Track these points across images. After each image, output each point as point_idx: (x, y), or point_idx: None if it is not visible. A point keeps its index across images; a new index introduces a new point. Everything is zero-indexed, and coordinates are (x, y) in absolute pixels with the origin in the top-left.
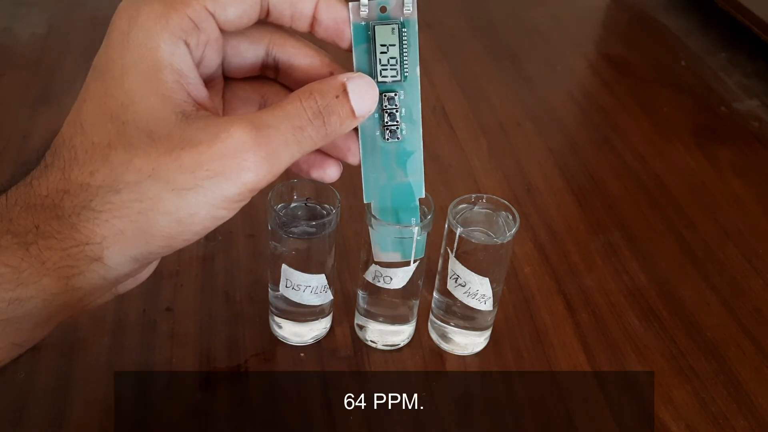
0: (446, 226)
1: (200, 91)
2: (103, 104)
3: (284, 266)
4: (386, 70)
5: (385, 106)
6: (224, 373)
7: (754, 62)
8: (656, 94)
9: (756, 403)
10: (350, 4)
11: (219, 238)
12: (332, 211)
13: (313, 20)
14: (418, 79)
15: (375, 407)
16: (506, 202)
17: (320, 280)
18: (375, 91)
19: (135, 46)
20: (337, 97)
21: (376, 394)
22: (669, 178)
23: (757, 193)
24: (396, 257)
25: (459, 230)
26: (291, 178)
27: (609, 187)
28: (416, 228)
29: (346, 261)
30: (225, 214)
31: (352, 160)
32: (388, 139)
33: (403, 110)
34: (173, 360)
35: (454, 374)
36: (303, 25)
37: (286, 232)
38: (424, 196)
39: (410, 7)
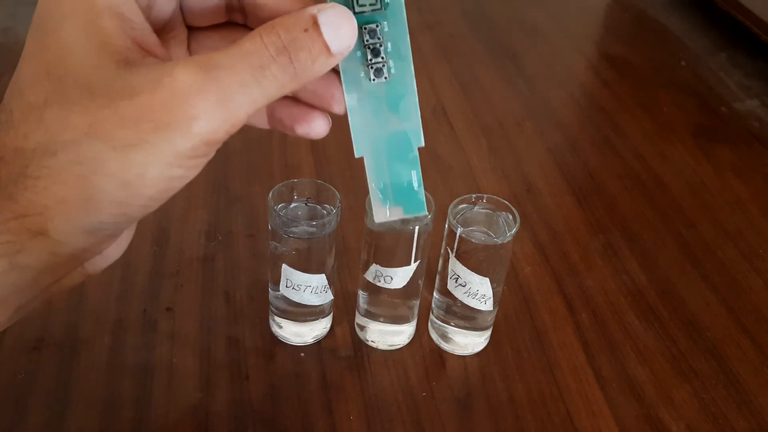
0: (446, 226)
1: (148, 38)
2: (40, 60)
3: (284, 266)
4: None
5: (367, 40)
6: (224, 373)
7: (754, 62)
8: (656, 94)
9: (756, 403)
10: None
11: (219, 238)
12: (332, 211)
13: None
14: (403, 6)
15: (375, 407)
16: (506, 202)
17: (320, 280)
18: (352, 23)
19: None
20: (305, 30)
21: (376, 395)
22: (669, 178)
23: (757, 193)
24: (398, 212)
25: (459, 230)
26: (291, 178)
27: (609, 187)
28: (415, 175)
29: (346, 261)
30: (181, 173)
31: (337, 108)
32: (373, 79)
33: (389, 45)
34: (173, 360)
35: (454, 374)
36: None
37: (286, 232)
38: (423, 144)
39: None
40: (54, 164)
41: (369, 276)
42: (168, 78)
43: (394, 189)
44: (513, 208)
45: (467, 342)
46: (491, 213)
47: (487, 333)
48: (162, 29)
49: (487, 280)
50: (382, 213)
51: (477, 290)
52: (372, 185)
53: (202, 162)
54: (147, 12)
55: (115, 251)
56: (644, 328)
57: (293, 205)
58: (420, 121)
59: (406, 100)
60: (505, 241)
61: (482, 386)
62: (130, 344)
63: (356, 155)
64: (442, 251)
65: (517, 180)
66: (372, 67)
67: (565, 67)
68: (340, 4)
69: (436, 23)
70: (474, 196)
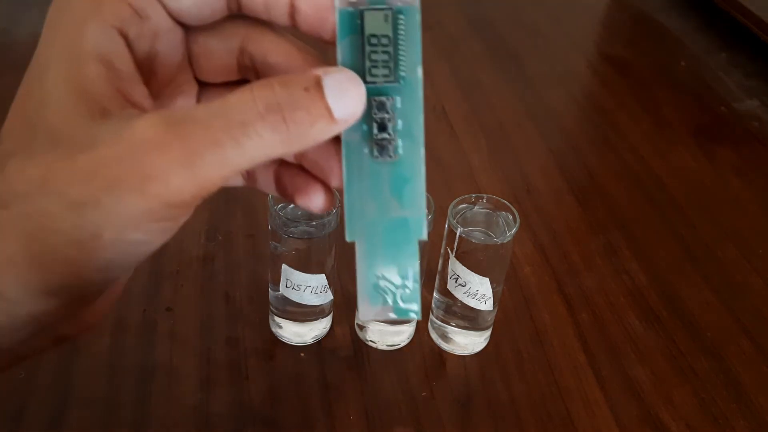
0: (446, 226)
1: (135, 88)
2: (22, 107)
3: (284, 266)
4: (376, 67)
5: (375, 113)
6: (224, 374)
7: (754, 62)
8: (656, 95)
9: (756, 403)
10: None
11: (219, 238)
12: (332, 211)
13: (292, 8)
14: (420, 82)
15: (375, 407)
16: (506, 202)
17: (320, 280)
18: (360, 88)
19: (61, 37)
20: (306, 89)
21: (376, 395)
22: (669, 178)
23: (757, 193)
24: (387, 313)
25: (459, 230)
26: None
27: (609, 187)
28: (413, 272)
29: (346, 261)
30: (142, 237)
31: (335, 182)
32: (377, 156)
33: (400, 122)
34: (173, 360)
35: (454, 374)
36: (281, 16)
37: (286, 232)
38: (425, 238)
39: None
40: (5, 217)
41: None
42: (128, 130)
43: (386, 285)
44: (513, 208)
45: (467, 342)
46: (491, 213)
47: (487, 333)
48: (169, 82)
49: (486, 280)
50: (369, 310)
51: (477, 290)
52: (361, 276)
53: (168, 227)
54: (149, 62)
55: (93, 315)
56: (644, 328)
57: (293, 205)
58: (425, 211)
59: (412, 185)
60: (505, 241)
61: (482, 386)
62: (130, 344)
63: (347, 239)
64: (442, 251)
65: (517, 180)
66: (377, 143)
67: (565, 67)
68: (351, 70)
69: (436, 23)
70: (474, 196)
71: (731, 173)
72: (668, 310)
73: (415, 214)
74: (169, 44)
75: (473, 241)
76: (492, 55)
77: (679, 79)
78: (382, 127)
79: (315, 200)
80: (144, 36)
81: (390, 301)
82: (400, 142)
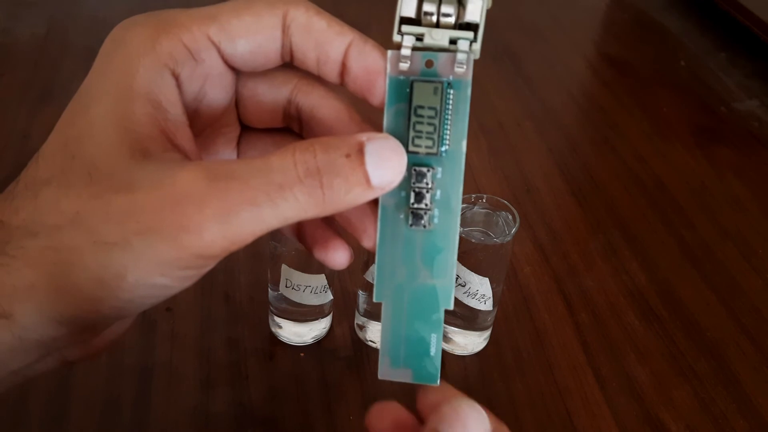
0: None
1: (180, 131)
2: (63, 135)
3: (284, 266)
4: (420, 138)
5: (414, 183)
6: (224, 373)
7: (754, 62)
8: (656, 94)
9: (756, 403)
10: (389, 52)
11: None
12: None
13: (343, 68)
14: (464, 156)
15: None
16: (506, 202)
17: (320, 280)
18: (401, 158)
19: (113, 71)
20: (347, 156)
21: (376, 395)
22: (669, 179)
23: (757, 194)
24: (407, 376)
25: (459, 230)
26: None
27: (609, 187)
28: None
29: None
30: (166, 282)
31: (367, 243)
32: (412, 225)
33: (438, 192)
34: (173, 360)
35: (454, 374)
36: (332, 73)
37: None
38: (451, 307)
39: (464, 66)
40: (32, 246)
41: (369, 276)
42: (169, 179)
43: (408, 348)
44: (513, 208)
45: (467, 342)
46: (491, 213)
47: (487, 333)
48: (213, 123)
49: (486, 280)
50: (389, 372)
51: (477, 290)
52: (385, 336)
53: (193, 274)
54: (196, 102)
55: (101, 343)
56: (644, 328)
57: None
58: (453, 281)
59: (444, 256)
60: (505, 241)
61: (482, 386)
62: (129, 345)
63: (375, 299)
64: None
65: (517, 180)
66: (413, 212)
67: (565, 68)
68: (395, 137)
69: None
70: (474, 196)
71: (731, 173)
72: (668, 310)
73: (445, 283)
74: (218, 88)
75: (473, 241)
76: (492, 56)
77: (679, 79)
78: (420, 197)
79: (336, 257)
80: (195, 78)
81: (411, 364)
82: (436, 212)
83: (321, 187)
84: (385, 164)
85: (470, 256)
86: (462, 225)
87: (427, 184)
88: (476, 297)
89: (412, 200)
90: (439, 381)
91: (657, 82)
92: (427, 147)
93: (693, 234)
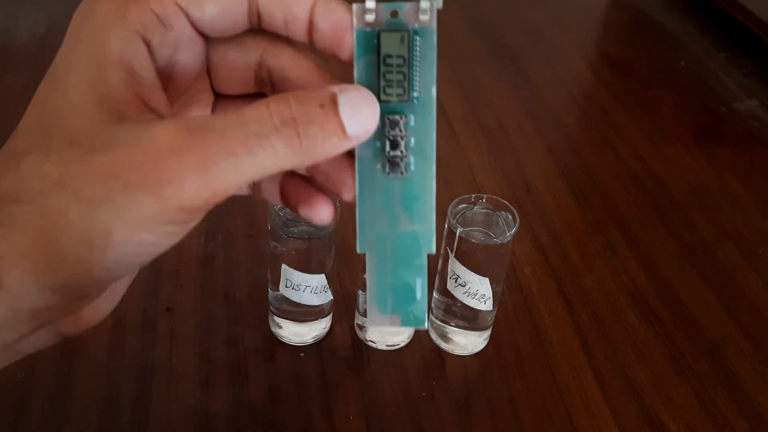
0: (446, 226)
1: (155, 94)
2: (40, 108)
3: (284, 266)
4: (391, 87)
5: (388, 131)
6: (224, 373)
7: (754, 62)
8: (656, 95)
9: (756, 403)
10: (354, 6)
11: (219, 238)
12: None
13: (311, 26)
14: (434, 102)
15: (375, 408)
16: (506, 202)
17: (320, 280)
18: (374, 107)
19: (85, 43)
20: (321, 105)
21: (376, 395)
22: (669, 178)
23: (757, 193)
24: (395, 321)
25: (459, 230)
26: None
27: (609, 187)
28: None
29: (346, 261)
30: (151, 239)
31: (347, 195)
32: (389, 173)
33: (413, 140)
34: (173, 360)
35: (453, 374)
36: (300, 32)
37: (286, 232)
38: (433, 251)
39: (428, 13)
40: (17, 212)
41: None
42: (147, 135)
43: (395, 295)
44: (513, 208)
45: (467, 342)
46: (491, 213)
47: (487, 333)
48: (186, 90)
49: (486, 280)
50: (378, 318)
51: (477, 290)
52: (371, 286)
53: (178, 230)
54: (168, 68)
55: (93, 314)
56: (644, 328)
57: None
58: (434, 226)
59: (422, 201)
60: (505, 241)
61: (482, 386)
62: (129, 344)
63: (358, 250)
64: (441, 251)
65: (517, 180)
66: (389, 160)
67: (565, 67)
68: (367, 88)
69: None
70: (474, 196)
71: (731, 173)
72: (668, 310)
73: (425, 228)
74: (189, 54)
75: (473, 241)
76: (492, 55)
77: (679, 79)
78: (395, 145)
79: (319, 212)
80: (166, 44)
81: (398, 310)
82: (411, 160)
83: (298, 136)
84: (358, 113)
85: (470, 256)
86: (462, 225)
87: (400, 131)
88: (476, 297)
89: (387, 148)
90: (426, 324)
91: (657, 82)
92: (398, 95)
93: (693, 234)
